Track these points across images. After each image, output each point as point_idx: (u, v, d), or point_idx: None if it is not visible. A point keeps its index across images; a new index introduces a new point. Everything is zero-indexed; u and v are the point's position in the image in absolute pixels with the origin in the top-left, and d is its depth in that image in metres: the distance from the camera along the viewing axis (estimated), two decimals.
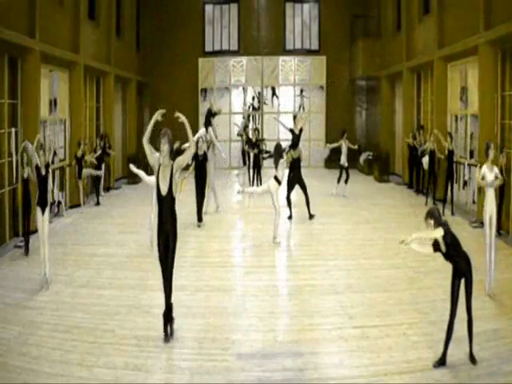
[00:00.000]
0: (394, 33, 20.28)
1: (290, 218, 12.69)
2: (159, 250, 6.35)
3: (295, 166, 12.69)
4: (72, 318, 6.87)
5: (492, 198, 7.69)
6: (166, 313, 6.33)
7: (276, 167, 10.76)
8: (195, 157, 11.85)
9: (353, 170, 16.56)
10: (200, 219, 12.04)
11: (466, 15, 13.23)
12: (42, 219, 8.14)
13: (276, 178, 10.63)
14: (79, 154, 14.24)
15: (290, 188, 12.79)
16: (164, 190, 6.26)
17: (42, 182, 8.33)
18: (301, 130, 12.93)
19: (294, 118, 14.08)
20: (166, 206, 6.28)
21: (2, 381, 5.33)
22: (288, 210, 12.68)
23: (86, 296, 7.69)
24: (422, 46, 16.94)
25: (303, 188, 12.74)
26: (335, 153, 17.93)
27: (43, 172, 8.34)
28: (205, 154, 12.29)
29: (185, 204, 12.93)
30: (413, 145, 16.50)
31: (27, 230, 9.97)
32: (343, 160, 15.66)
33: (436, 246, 5.57)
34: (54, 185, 12.87)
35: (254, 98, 25.45)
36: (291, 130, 13.01)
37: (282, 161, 10.81)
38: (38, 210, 8.20)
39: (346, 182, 15.69)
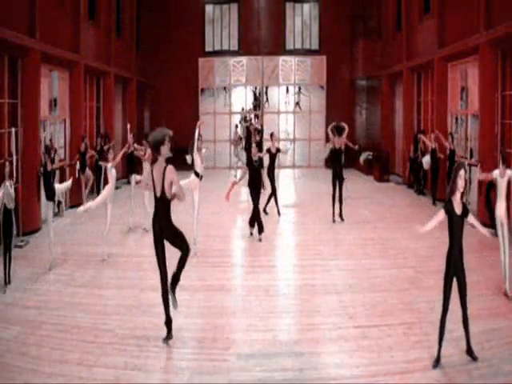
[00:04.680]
0: (394, 33, 20.28)
1: (340, 217, 12.34)
2: (157, 253, 6.19)
3: (335, 159, 12.14)
4: (72, 317, 6.87)
5: (501, 198, 7.66)
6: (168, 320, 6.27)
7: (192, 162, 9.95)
8: (249, 163, 11.08)
9: (352, 170, 16.50)
10: (261, 229, 10.85)
11: (466, 15, 13.24)
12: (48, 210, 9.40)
13: (196, 173, 9.80)
14: (82, 148, 14.24)
15: (332, 185, 12.28)
16: (157, 192, 6.15)
17: (48, 176, 9.34)
18: (278, 150, 12.98)
19: (271, 136, 13.48)
20: (161, 207, 6.14)
21: (2, 381, 5.32)
22: (332, 209, 12.34)
23: (86, 296, 7.69)
24: (422, 45, 16.94)
25: (340, 184, 12.22)
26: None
27: (49, 168, 9.29)
28: (260, 160, 11.25)
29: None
30: (415, 155, 16.38)
31: (8, 261, 8.40)
32: None
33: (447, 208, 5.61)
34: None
35: (256, 99, 25.43)
36: (268, 150, 12.94)
37: (188, 157, 10.01)
38: (47, 204, 9.45)
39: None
